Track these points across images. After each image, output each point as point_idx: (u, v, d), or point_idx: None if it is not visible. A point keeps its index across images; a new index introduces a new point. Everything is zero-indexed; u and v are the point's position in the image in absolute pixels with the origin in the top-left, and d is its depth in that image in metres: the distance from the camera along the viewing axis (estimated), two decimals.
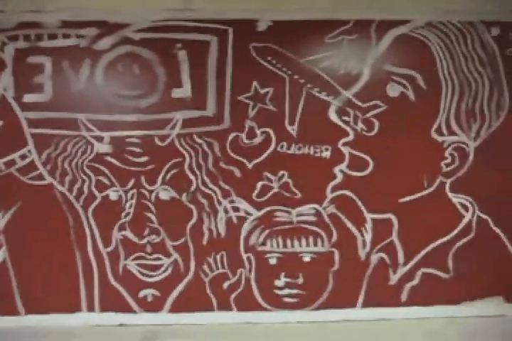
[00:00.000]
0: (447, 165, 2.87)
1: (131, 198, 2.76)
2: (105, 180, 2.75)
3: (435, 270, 2.88)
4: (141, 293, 2.79)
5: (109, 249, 2.78)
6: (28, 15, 2.68)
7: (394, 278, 2.88)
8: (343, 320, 2.86)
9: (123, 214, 2.76)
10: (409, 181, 2.87)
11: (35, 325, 2.72)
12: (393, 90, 2.84)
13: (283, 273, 2.82)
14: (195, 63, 2.78)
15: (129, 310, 2.79)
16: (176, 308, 2.81)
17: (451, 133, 2.87)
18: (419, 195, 2.87)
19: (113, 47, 2.74)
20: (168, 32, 2.77)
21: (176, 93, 2.77)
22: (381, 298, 2.88)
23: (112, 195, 2.76)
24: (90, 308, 2.77)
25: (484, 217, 2.89)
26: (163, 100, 2.77)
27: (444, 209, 2.88)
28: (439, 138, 2.87)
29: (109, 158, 2.75)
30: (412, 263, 2.88)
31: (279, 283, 2.82)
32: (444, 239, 2.88)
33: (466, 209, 2.89)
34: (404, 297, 2.89)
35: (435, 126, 2.86)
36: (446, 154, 2.86)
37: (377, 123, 2.84)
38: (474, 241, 2.89)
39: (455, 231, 2.89)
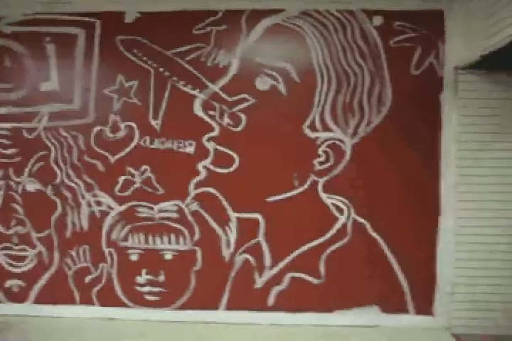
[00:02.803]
0: (320, 163, 2.97)
1: (0, 189, 3.14)
2: None
3: (305, 274, 2.99)
4: (7, 283, 3.17)
5: None
6: None
7: (260, 281, 3.03)
8: (204, 321, 3.05)
9: None
10: (278, 180, 2.97)
11: None
12: (263, 83, 3.00)
13: (144, 270, 3.07)
14: (63, 56, 3.06)
15: None
16: (39, 300, 3.13)
17: (326, 129, 2.96)
18: (288, 194, 2.97)
19: None
20: (39, 25, 3.08)
21: (44, 86, 3.10)
22: (246, 301, 3.01)
23: None
24: None
25: (361, 220, 2.96)
26: (32, 93, 3.08)
27: (316, 210, 2.96)
28: (312, 135, 2.96)
29: None
30: (279, 266, 3.00)
31: (140, 279, 3.07)
32: (316, 243, 2.99)
33: (341, 211, 2.97)
34: (270, 301, 3.05)
35: (308, 122, 2.95)
36: (320, 151, 2.97)
37: (244, 118, 2.99)
38: (349, 245, 2.96)
39: (328, 235, 2.98)
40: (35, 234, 3.11)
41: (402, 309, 2.98)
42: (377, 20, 2.95)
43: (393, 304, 2.99)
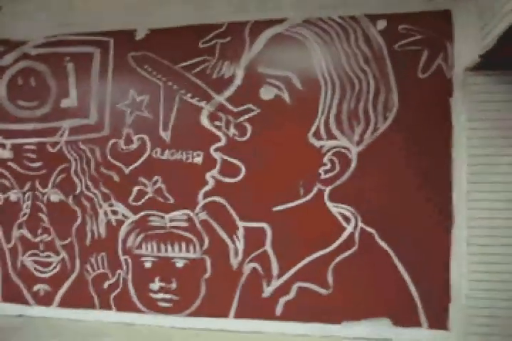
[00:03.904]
0: (326, 171, 3.06)
1: (28, 200, 3.51)
2: (7, 183, 3.56)
3: (313, 284, 3.07)
4: (35, 287, 3.55)
5: (9, 245, 3.59)
6: None
7: (267, 291, 3.14)
8: (215, 329, 3.22)
9: (21, 214, 3.54)
10: (284, 189, 3.08)
11: None
12: (267, 93, 3.14)
13: (157, 278, 3.31)
14: (80, 74, 3.39)
15: (25, 302, 3.56)
16: (63, 303, 3.48)
17: (331, 137, 3.04)
18: (294, 203, 3.07)
19: (14, 62, 3.55)
20: (59, 46, 3.45)
21: (64, 103, 3.44)
22: (254, 309, 3.14)
23: (13, 196, 3.55)
24: None
25: (369, 229, 2.99)
26: (54, 110, 3.42)
27: (323, 219, 3.04)
28: (317, 143, 3.05)
29: (10, 163, 3.57)
30: (287, 275, 3.11)
31: (153, 286, 3.31)
32: (323, 252, 3.06)
33: (348, 220, 3.03)
34: (278, 311, 3.17)
35: (313, 130, 3.04)
36: (325, 160, 3.05)
37: (249, 128, 3.15)
38: (357, 255, 3.00)
39: (335, 244, 3.05)
40: (58, 242, 3.45)
41: (414, 322, 2.98)
42: (381, 24, 3.00)
43: (405, 317, 2.98)
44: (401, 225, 2.98)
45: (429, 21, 2.95)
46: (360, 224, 3.01)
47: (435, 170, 2.94)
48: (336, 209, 3.04)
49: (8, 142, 3.51)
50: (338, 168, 3.02)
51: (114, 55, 3.35)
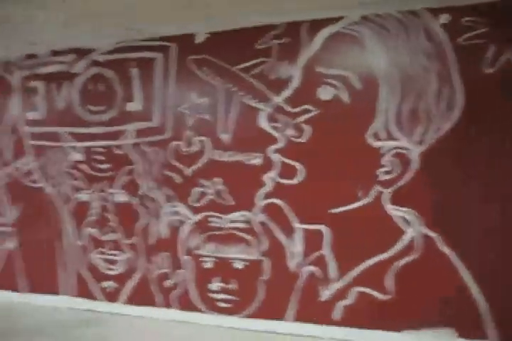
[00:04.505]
0: (385, 173, 3.02)
1: (97, 200, 3.80)
2: (78, 184, 3.85)
3: (371, 290, 3.05)
4: (103, 284, 3.79)
5: (80, 243, 3.87)
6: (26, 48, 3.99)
7: (325, 294, 3.16)
8: (271, 331, 3.27)
9: (90, 213, 3.82)
10: (343, 191, 3.07)
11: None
12: (325, 93, 3.16)
13: (217, 278, 3.43)
14: (144, 79, 3.61)
15: (94, 297, 3.83)
16: (128, 301, 3.69)
17: (390, 137, 2.99)
18: (353, 205, 3.06)
19: (85, 70, 3.83)
20: (125, 52, 3.67)
21: (129, 107, 3.67)
22: (311, 313, 3.14)
23: (84, 197, 3.85)
24: (66, 292, 3.93)
25: (431, 234, 2.93)
26: (120, 114, 3.66)
27: (382, 222, 2.99)
28: (376, 144, 3.02)
29: (81, 165, 3.85)
30: (345, 279, 3.10)
31: (213, 286, 3.43)
32: (382, 256, 3.02)
33: (409, 224, 2.95)
34: (336, 316, 3.16)
35: (371, 130, 3.03)
36: (384, 161, 3.03)
37: (307, 129, 3.19)
38: (419, 261, 2.92)
39: (395, 249, 3.00)
40: (124, 241, 3.67)
41: (481, 335, 2.85)
42: (444, 18, 2.91)
43: (471, 329, 2.86)
44: (467, 230, 2.88)
45: (495, 12, 2.82)
46: (422, 229, 2.93)
47: (506, 172, 2.79)
48: (395, 212, 2.98)
49: (80, 145, 3.77)
50: (398, 169, 2.97)
51: (175, 59, 3.49)
